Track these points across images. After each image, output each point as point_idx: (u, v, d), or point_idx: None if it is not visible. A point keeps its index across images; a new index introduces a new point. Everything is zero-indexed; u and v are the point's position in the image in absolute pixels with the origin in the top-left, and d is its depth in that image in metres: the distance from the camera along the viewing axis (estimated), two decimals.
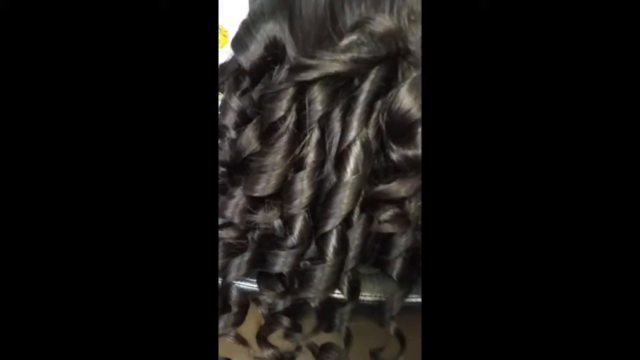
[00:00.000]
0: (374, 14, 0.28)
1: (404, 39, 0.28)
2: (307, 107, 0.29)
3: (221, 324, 0.35)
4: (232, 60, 0.34)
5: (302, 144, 0.29)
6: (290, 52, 0.30)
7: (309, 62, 0.28)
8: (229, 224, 0.33)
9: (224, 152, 0.34)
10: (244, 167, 0.32)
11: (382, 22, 0.28)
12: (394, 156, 0.29)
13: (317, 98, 0.29)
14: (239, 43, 0.32)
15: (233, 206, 0.32)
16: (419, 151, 0.28)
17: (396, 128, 0.28)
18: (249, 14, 0.32)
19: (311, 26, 0.30)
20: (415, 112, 0.27)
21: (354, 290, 0.32)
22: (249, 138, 0.31)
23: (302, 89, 0.29)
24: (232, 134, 0.33)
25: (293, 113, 0.29)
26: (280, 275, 0.32)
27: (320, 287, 0.30)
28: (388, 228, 0.30)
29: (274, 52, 0.31)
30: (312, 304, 0.32)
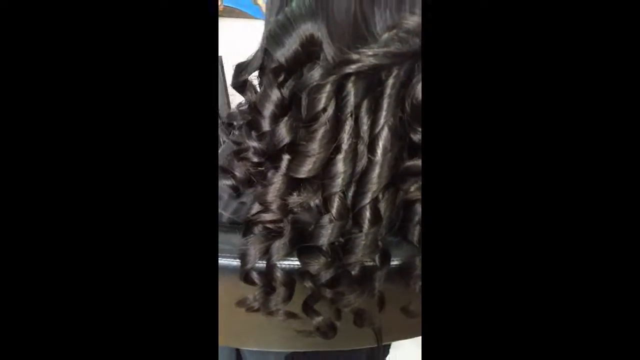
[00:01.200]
0: (402, 15, 0.34)
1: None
2: (343, 99, 0.34)
3: (272, 303, 0.41)
4: (257, 56, 0.39)
5: (341, 131, 0.35)
6: (328, 49, 0.35)
7: (353, 56, 0.33)
8: (267, 209, 0.38)
9: (260, 143, 0.38)
10: (282, 154, 0.37)
11: (415, 20, 0.33)
12: (416, 138, 0.35)
13: (352, 91, 0.34)
14: (274, 40, 0.36)
15: (274, 191, 0.37)
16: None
17: (416, 115, 0.34)
18: (287, 14, 0.36)
19: (345, 27, 0.35)
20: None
21: (386, 256, 0.38)
22: (290, 127, 0.36)
23: (341, 83, 0.34)
24: (266, 125, 0.37)
25: (332, 104, 0.34)
26: (320, 249, 0.37)
27: (359, 256, 0.36)
28: (415, 196, 0.36)
29: (310, 49, 0.35)
30: (352, 272, 0.38)
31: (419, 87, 0.34)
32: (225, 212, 0.44)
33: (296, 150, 0.36)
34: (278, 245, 0.38)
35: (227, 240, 0.41)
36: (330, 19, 0.35)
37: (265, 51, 0.38)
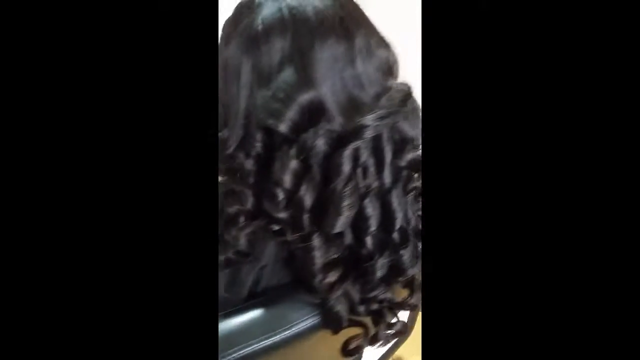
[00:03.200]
0: (391, 81, 0.41)
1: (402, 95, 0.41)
2: (358, 160, 0.39)
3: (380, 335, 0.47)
4: (264, 129, 0.40)
5: (359, 183, 0.39)
6: (335, 115, 0.39)
7: (365, 122, 0.37)
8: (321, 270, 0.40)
9: (279, 210, 0.39)
10: (306, 218, 0.39)
11: (401, 88, 0.41)
12: (402, 163, 0.42)
13: (364, 148, 0.39)
14: (272, 114, 0.38)
15: (319, 253, 0.40)
16: (419, 152, 0.42)
17: (405, 144, 0.42)
18: (279, 87, 0.39)
19: (344, 94, 0.39)
20: (414, 133, 0.42)
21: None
22: (312, 192, 0.39)
23: (357, 147, 0.38)
24: (282, 195, 0.39)
25: (350, 162, 0.38)
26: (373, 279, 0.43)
27: (414, 261, 0.44)
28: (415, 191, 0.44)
29: (313, 117, 0.38)
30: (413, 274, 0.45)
31: (400, 126, 0.41)
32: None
33: (326, 209, 0.39)
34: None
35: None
36: (329, 86, 0.39)
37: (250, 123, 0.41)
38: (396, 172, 0.42)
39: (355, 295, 0.43)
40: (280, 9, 0.41)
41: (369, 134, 0.38)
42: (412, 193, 0.44)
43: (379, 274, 0.43)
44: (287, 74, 0.39)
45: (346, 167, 0.38)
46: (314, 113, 0.39)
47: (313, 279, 0.40)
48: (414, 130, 0.42)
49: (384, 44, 0.44)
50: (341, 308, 0.42)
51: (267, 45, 0.40)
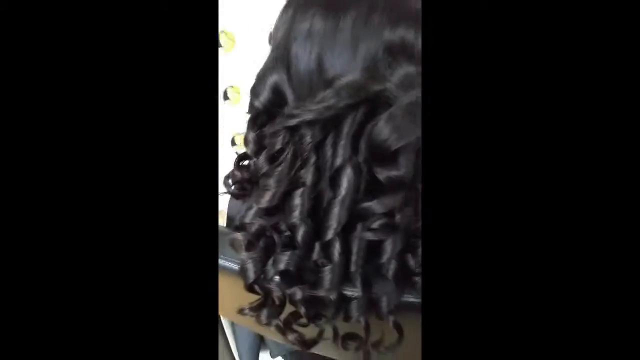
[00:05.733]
0: (347, 71, 0.37)
1: (372, 88, 0.37)
2: (299, 141, 0.39)
3: (263, 317, 0.45)
4: (250, 103, 0.43)
5: (296, 168, 0.38)
6: (290, 98, 0.40)
7: (294, 111, 0.38)
8: (244, 228, 0.42)
9: (248, 172, 0.44)
10: (257, 184, 0.41)
11: (350, 79, 0.36)
12: (380, 177, 0.37)
13: (307, 134, 0.38)
14: (253, 90, 0.42)
15: (250, 213, 0.42)
16: (401, 172, 0.36)
17: (378, 154, 0.37)
18: (261, 67, 0.42)
19: (304, 77, 0.39)
20: (393, 141, 0.36)
21: (366, 285, 0.39)
22: (262, 163, 0.41)
23: (294, 128, 0.39)
24: (252, 160, 0.43)
25: (290, 146, 0.39)
26: (288, 272, 0.40)
27: (331, 285, 0.39)
28: (378, 236, 0.37)
29: (278, 98, 0.40)
30: (330, 298, 0.40)
31: (377, 128, 0.36)
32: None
33: (258, 184, 0.41)
34: (270, 264, 0.42)
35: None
36: (292, 68, 0.39)
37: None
38: (355, 175, 0.38)
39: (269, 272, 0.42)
40: None
41: (292, 122, 0.38)
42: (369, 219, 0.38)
43: (280, 266, 0.41)
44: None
45: (276, 147, 0.40)
46: (278, 94, 0.40)
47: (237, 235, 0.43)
48: (383, 134, 0.36)
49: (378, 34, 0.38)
50: (250, 270, 0.42)
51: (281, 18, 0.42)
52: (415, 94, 0.36)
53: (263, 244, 0.42)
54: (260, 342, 0.93)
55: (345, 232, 0.38)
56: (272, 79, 0.40)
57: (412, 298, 0.41)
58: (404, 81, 0.37)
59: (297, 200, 0.39)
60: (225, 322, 0.83)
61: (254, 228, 0.42)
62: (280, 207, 0.40)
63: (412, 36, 0.37)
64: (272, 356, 0.96)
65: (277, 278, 0.42)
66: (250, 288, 0.43)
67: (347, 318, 0.41)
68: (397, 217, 0.38)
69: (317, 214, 0.39)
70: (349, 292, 0.41)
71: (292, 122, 0.38)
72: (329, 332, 0.44)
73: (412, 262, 0.39)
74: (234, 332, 0.90)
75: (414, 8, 0.38)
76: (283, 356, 0.96)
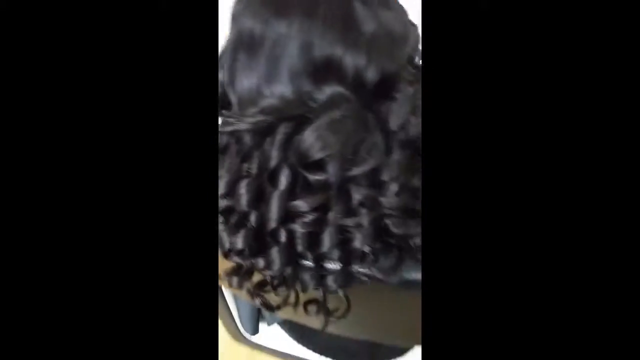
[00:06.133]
0: (268, 86, 0.41)
1: (296, 110, 0.41)
2: (237, 142, 0.44)
3: (234, 282, 0.51)
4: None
5: (239, 162, 0.43)
6: (234, 102, 0.44)
7: (229, 119, 0.43)
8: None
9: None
10: None
11: (271, 99, 0.41)
12: (310, 179, 0.42)
13: (245, 137, 0.43)
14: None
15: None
16: (326, 177, 0.41)
17: (306, 159, 0.41)
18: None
19: (243, 91, 0.44)
20: (316, 151, 0.40)
21: (317, 262, 0.45)
22: (224, 157, 0.46)
23: (232, 132, 0.44)
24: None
25: (232, 144, 0.44)
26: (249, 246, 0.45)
27: (281, 264, 0.44)
28: (311, 229, 0.42)
29: (226, 99, 0.45)
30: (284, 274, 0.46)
31: (303, 138, 0.41)
32: None
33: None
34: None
35: None
36: (233, 77, 0.44)
37: None
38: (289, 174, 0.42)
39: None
40: None
41: (229, 129, 0.44)
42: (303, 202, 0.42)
43: (237, 244, 0.45)
44: None
45: (221, 145, 0.45)
46: (225, 98, 0.46)
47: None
48: (307, 144, 0.40)
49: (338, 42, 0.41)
50: (225, 240, 0.46)
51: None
52: (339, 112, 0.40)
53: (231, 220, 0.46)
54: (258, 310, 1.02)
55: (287, 223, 0.43)
56: (223, 84, 0.46)
57: (362, 277, 0.46)
58: (328, 101, 0.40)
59: (240, 190, 0.43)
60: (227, 292, 0.91)
61: (221, 207, 0.47)
62: (231, 193, 0.44)
63: (349, 58, 0.40)
64: (268, 324, 1.05)
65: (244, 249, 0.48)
66: (226, 256, 0.49)
67: (304, 289, 0.47)
68: (330, 215, 0.42)
69: (260, 204, 0.43)
70: (305, 265, 0.47)
71: (229, 128, 0.44)
72: (292, 299, 0.51)
73: (357, 243, 0.43)
74: (235, 301, 0.98)
75: (355, 29, 0.41)
76: (278, 323, 1.04)
